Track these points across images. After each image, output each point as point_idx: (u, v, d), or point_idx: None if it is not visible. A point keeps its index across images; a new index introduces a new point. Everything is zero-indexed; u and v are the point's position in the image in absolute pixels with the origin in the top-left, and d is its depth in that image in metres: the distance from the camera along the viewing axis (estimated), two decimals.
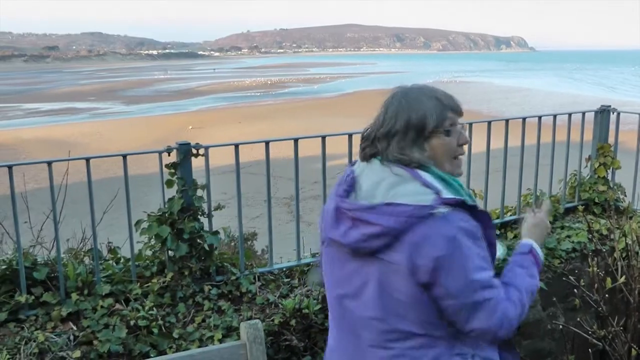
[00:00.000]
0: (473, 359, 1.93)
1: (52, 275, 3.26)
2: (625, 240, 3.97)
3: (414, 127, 1.89)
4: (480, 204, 2.06)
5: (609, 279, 3.69)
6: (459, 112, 1.98)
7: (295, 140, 3.68)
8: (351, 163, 2.05)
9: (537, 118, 4.53)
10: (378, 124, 1.94)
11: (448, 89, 2.04)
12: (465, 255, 1.80)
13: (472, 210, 1.86)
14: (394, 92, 1.99)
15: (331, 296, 2.08)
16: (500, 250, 3.28)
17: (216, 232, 3.53)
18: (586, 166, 4.91)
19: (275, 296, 3.50)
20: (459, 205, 1.83)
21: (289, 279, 3.72)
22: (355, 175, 1.96)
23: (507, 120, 4.42)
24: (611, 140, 4.90)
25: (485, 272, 1.85)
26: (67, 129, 30.36)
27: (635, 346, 3.57)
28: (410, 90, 1.98)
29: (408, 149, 1.89)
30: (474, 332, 1.86)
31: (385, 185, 1.85)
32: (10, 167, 3.11)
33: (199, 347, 3.04)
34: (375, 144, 1.93)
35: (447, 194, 1.83)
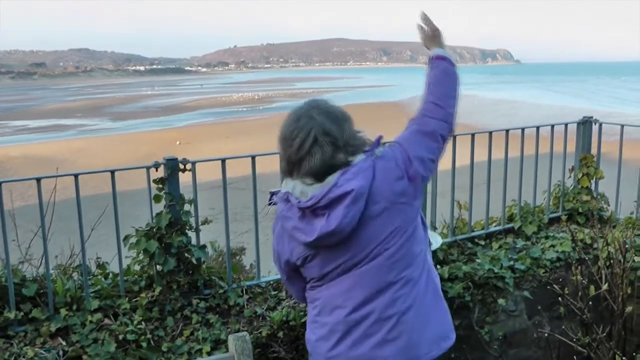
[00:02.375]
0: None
1: (41, 291, 3.28)
2: (608, 249, 4.02)
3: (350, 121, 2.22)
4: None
5: (592, 287, 3.74)
6: None
7: None
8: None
9: (520, 130, 4.59)
10: (318, 134, 2.12)
11: None
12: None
13: None
14: (309, 114, 2.16)
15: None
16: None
17: (203, 246, 3.56)
18: (570, 177, 4.97)
19: (263, 309, 3.53)
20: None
21: (276, 292, 3.74)
22: (288, 192, 2.16)
23: (490, 133, 4.47)
24: (594, 151, 4.96)
25: None
26: (54, 145, 30.22)
27: (619, 353, 3.62)
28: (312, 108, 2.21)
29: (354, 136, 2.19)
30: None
31: (328, 172, 2.10)
32: None
33: None
34: (330, 146, 2.11)
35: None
